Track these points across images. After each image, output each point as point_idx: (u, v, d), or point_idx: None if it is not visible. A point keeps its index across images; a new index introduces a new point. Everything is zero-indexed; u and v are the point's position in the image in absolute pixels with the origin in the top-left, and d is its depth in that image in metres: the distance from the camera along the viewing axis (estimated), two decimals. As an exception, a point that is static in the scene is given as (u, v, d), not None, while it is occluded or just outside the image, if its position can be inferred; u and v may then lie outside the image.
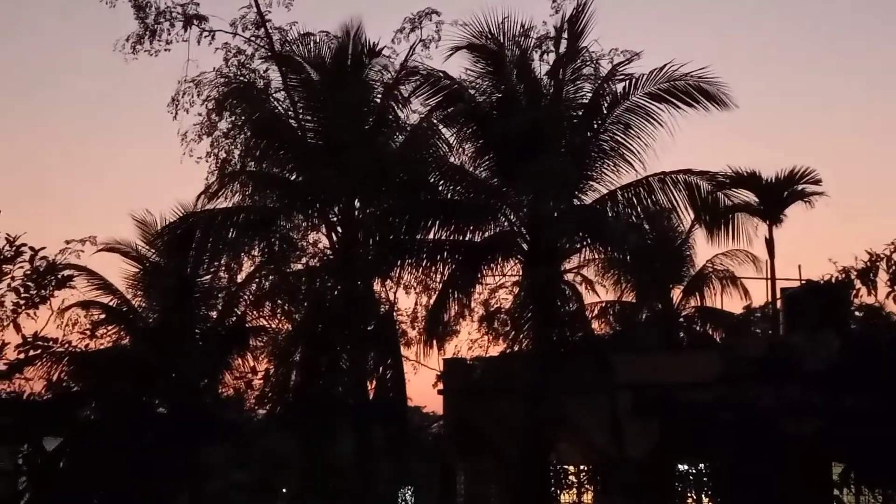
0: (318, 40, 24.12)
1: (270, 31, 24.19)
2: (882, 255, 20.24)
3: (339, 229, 23.87)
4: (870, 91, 56.55)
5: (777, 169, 25.74)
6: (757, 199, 25.13)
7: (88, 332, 24.05)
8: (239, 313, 25.66)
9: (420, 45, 24.06)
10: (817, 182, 25.71)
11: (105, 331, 24.96)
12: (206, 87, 23.72)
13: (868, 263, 20.31)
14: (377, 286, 23.72)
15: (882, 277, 20.25)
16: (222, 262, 23.86)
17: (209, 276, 25.25)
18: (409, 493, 29.59)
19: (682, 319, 32.01)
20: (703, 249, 30.29)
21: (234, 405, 25.48)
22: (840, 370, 19.67)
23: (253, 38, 24.19)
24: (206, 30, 24.35)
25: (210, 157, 23.40)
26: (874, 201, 52.29)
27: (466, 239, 22.77)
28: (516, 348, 22.37)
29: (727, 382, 21.37)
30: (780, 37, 58.11)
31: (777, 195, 25.27)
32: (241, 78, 23.88)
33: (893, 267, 20.13)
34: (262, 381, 24.42)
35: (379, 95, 24.48)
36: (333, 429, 23.87)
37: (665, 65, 21.47)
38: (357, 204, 23.65)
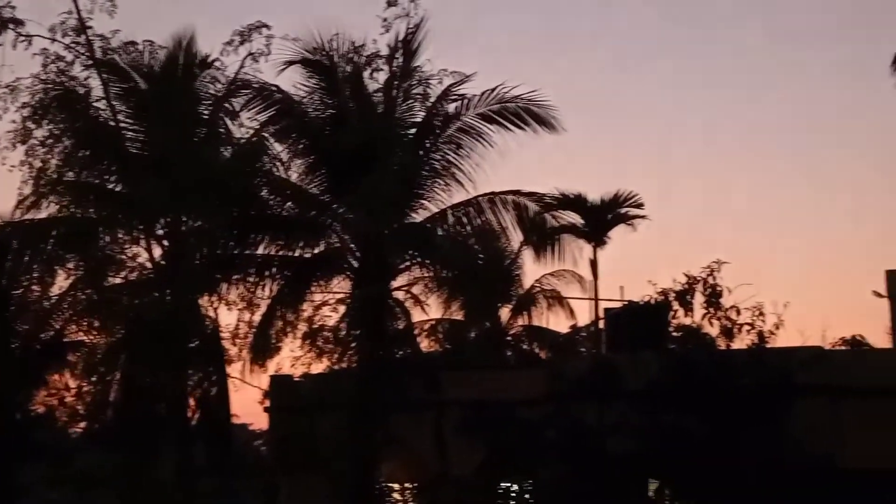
0: (142, 49, 23.42)
1: (92, 38, 23.30)
2: (699, 278, 20.90)
3: (165, 243, 23.22)
4: (693, 114, 58.63)
5: (602, 192, 26.21)
6: (582, 221, 25.53)
7: None
8: (57, 328, 24.64)
9: (250, 58, 23.56)
10: (640, 206, 26.22)
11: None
12: (23, 94, 22.74)
13: (685, 286, 20.95)
14: (203, 301, 23.12)
15: (698, 299, 20.92)
16: (36, 275, 22.89)
17: (23, 290, 24.20)
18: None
19: (509, 338, 32.25)
20: (532, 269, 30.61)
21: (47, 422, 24.40)
22: (658, 389, 20.07)
23: (73, 45, 23.30)
24: (22, 34, 23.31)
25: (25, 165, 22.41)
26: (693, 225, 54.18)
27: (296, 255, 22.41)
28: (344, 365, 22.15)
29: (552, 400, 21.58)
30: (610, 62, 59.72)
31: (601, 218, 25.69)
32: (62, 85, 22.95)
33: (709, 289, 20.82)
34: (75, 399, 23.49)
35: (210, 108, 23.89)
36: (155, 446, 23.15)
37: (496, 87, 21.57)
38: (184, 218, 23.05)
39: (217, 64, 23.78)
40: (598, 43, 60.53)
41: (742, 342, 20.68)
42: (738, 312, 20.68)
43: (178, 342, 22.55)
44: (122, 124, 23.44)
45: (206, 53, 23.76)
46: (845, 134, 57.07)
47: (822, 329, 24.59)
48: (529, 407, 21.66)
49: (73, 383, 24.39)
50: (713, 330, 20.90)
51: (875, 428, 19.74)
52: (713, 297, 20.78)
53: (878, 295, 23.51)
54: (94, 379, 23.44)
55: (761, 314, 20.46)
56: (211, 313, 23.15)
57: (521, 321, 32.32)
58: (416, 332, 26.06)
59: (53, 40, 23.29)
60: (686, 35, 59.45)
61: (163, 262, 23.14)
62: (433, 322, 29.44)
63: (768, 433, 18.99)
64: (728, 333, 20.77)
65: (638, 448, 19.90)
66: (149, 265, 23.01)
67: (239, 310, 22.87)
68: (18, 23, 23.39)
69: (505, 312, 31.83)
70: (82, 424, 23.90)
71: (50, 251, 22.01)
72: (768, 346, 20.36)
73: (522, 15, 60.40)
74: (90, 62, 23.39)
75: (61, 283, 23.06)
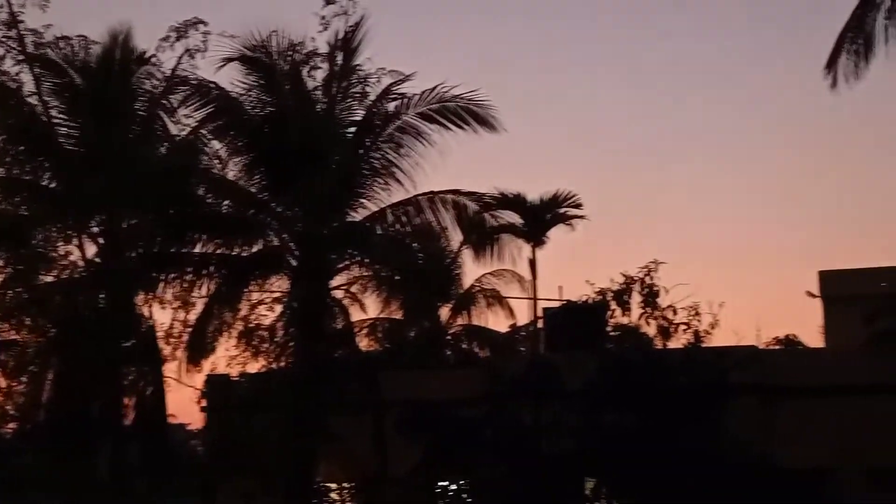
0: (76, 44, 23.05)
1: (23, 32, 22.93)
2: (636, 278, 21.03)
3: (101, 240, 22.87)
4: (633, 113, 59.07)
5: (542, 192, 26.25)
6: (522, 221, 25.56)
7: None
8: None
9: (187, 55, 23.33)
10: (578, 206, 26.30)
11: None
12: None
13: (623, 286, 21.07)
14: (139, 300, 22.81)
15: (636, 299, 21.06)
16: None
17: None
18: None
19: (449, 337, 32.18)
20: (472, 268, 30.61)
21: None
22: (595, 388, 20.13)
23: (4, 39, 22.91)
24: (-50, 28, 22.88)
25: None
26: (631, 225, 54.64)
27: (234, 254, 22.16)
28: (281, 364, 21.98)
29: (490, 400, 21.55)
30: (551, 62, 60.00)
31: (540, 217, 25.74)
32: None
33: (646, 289, 20.96)
34: (4, 399, 23.04)
35: (146, 104, 23.56)
36: (90, 446, 22.80)
37: (437, 86, 21.51)
38: (120, 215, 22.72)
39: (154, 60, 23.55)
40: (540, 43, 60.77)
41: (678, 342, 20.84)
42: (675, 312, 20.85)
43: (113, 341, 22.26)
44: (56, 120, 23.08)
45: (143, 49, 23.51)
46: (781, 135, 57.89)
47: (757, 329, 24.97)
48: (468, 406, 21.60)
49: (3, 383, 23.91)
50: (650, 329, 21.05)
51: (807, 426, 19.97)
52: (650, 297, 20.92)
53: (812, 295, 23.85)
54: (24, 379, 23.03)
55: (697, 314, 20.65)
56: (146, 312, 22.90)
57: (461, 320, 32.26)
58: (355, 331, 25.93)
59: (-18, 34, 22.98)
60: (625, 35, 59.92)
61: (97, 260, 22.81)
62: (372, 321, 29.29)
63: (703, 432, 19.12)
64: (665, 333, 20.92)
65: (575, 447, 19.95)
66: (82, 263, 22.67)
67: (173, 309, 22.65)
68: (-54, 17, 23.01)
69: (445, 312, 31.76)
70: (12, 425, 23.43)
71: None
72: (704, 345, 20.53)
73: (464, 15, 60.47)
74: (22, 57, 23.02)
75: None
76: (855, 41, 15.67)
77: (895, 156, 58.09)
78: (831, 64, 15.93)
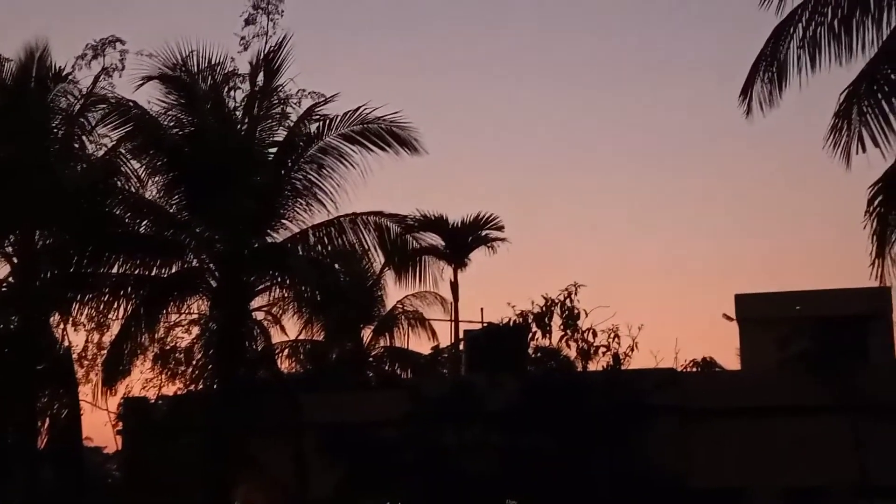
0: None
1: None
2: (556, 301, 21.13)
3: (15, 260, 22.39)
4: (553, 138, 59.51)
5: (463, 214, 26.33)
6: (443, 243, 25.62)
7: None
8: None
9: (104, 73, 23.02)
10: (500, 228, 26.52)
11: None
12: None
13: (543, 308, 21.14)
14: (54, 321, 22.37)
15: (556, 322, 21.15)
16: None
17: None
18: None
19: (371, 359, 32.04)
20: (394, 290, 30.54)
21: None
22: (517, 410, 20.16)
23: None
24: None
25: None
26: (552, 247, 55.03)
27: (153, 274, 21.80)
28: (200, 386, 21.66)
29: (412, 421, 21.46)
30: (475, 83, 60.28)
31: (462, 240, 25.86)
32: None
33: (566, 312, 21.06)
34: None
35: (63, 122, 23.15)
36: (3, 470, 22.26)
37: (360, 107, 21.42)
38: (35, 234, 22.27)
39: (71, 77, 23.19)
40: (464, 63, 61.08)
41: (598, 364, 20.96)
42: (595, 335, 20.97)
43: (27, 363, 21.78)
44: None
45: (60, 66, 23.14)
46: (701, 159, 58.79)
47: (675, 351, 25.18)
48: (390, 428, 21.50)
49: None
50: (571, 352, 21.13)
51: (723, 447, 20.20)
52: (570, 320, 21.01)
53: (728, 318, 24.13)
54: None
55: (617, 336, 20.79)
56: (60, 334, 22.47)
57: (383, 342, 32.13)
58: (276, 353, 25.70)
59: None
60: (550, 58, 60.46)
61: (11, 281, 22.35)
62: (294, 343, 29.05)
63: (622, 454, 19.24)
64: (585, 355, 21.01)
65: (495, 468, 19.93)
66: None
67: (88, 331, 22.26)
68: None
69: (367, 333, 31.64)
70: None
71: None
72: (623, 368, 20.67)
73: (387, 36, 60.56)
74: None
75: None
76: (769, 69, 15.91)
77: (810, 181, 59.40)
78: (746, 91, 16.14)
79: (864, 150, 14.68)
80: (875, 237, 14.88)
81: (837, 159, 14.88)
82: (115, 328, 22.23)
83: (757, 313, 23.27)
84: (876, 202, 14.89)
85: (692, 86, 57.32)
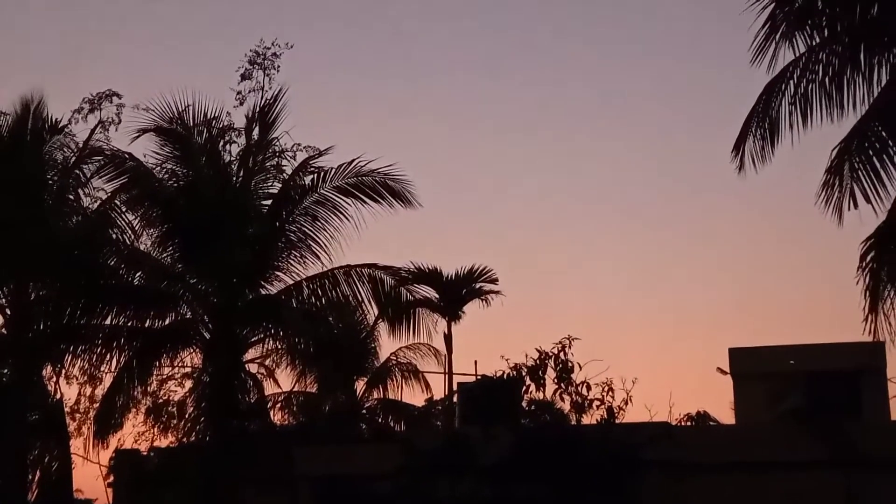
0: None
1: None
2: (550, 354, 21.04)
3: (8, 311, 22.37)
4: (548, 191, 59.63)
5: (457, 266, 26.38)
6: (437, 296, 25.63)
7: None
8: None
9: (100, 126, 23.18)
10: (494, 281, 26.55)
11: None
12: None
13: (537, 361, 21.05)
14: (46, 373, 22.30)
15: (550, 375, 21.03)
16: None
17: None
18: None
19: (364, 411, 31.89)
20: (388, 342, 30.48)
21: None
22: (511, 462, 20.02)
23: None
24: None
25: None
26: (546, 300, 54.91)
27: (146, 326, 21.81)
28: (193, 438, 21.53)
29: (406, 474, 21.29)
30: (469, 136, 60.52)
31: (456, 292, 25.88)
32: None
33: (560, 364, 20.98)
34: None
35: (59, 174, 23.24)
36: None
37: (354, 159, 21.57)
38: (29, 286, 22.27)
39: (67, 130, 23.32)
40: (460, 115, 61.34)
41: (592, 417, 20.84)
42: (589, 388, 20.84)
43: (18, 415, 21.66)
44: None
45: (56, 119, 23.27)
46: (694, 214, 58.88)
47: (669, 405, 25.04)
48: (384, 480, 21.30)
49: None
50: (565, 405, 21.01)
51: (716, 501, 20.02)
52: (564, 373, 20.87)
53: (723, 372, 24.05)
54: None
55: (611, 389, 20.63)
56: (52, 386, 22.41)
57: (377, 394, 31.98)
58: (269, 405, 25.60)
59: None
60: (538, 113, 60.77)
61: (4, 332, 22.31)
62: (287, 395, 28.94)
63: (615, 507, 19.09)
64: (579, 408, 20.86)
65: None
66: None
67: (79, 384, 22.21)
68: None
69: (360, 385, 31.52)
70: None
71: None
72: (617, 421, 20.55)
73: (381, 87, 60.85)
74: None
75: None
76: (761, 126, 15.98)
77: (802, 236, 59.55)
78: (738, 147, 16.19)
79: (855, 206, 14.68)
80: (868, 292, 14.84)
81: (830, 215, 14.87)
82: (108, 381, 22.21)
83: (751, 367, 23.18)
84: (868, 258, 14.88)
85: (685, 142, 57.56)
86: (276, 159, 22.02)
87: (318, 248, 21.82)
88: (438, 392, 30.97)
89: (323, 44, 59.67)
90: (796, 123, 15.76)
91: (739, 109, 16.50)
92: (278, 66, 22.73)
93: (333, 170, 21.65)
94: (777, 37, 16.09)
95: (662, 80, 58.61)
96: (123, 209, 22.45)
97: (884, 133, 14.88)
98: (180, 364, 22.23)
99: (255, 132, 21.91)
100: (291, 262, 21.94)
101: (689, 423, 21.93)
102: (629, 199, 58.27)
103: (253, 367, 22.72)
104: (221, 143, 22.06)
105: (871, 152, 14.70)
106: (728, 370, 23.65)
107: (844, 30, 15.90)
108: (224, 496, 20.75)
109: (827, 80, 15.55)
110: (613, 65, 59.71)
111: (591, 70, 58.48)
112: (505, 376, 21.32)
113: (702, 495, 19.77)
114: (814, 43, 16.02)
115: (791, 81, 15.80)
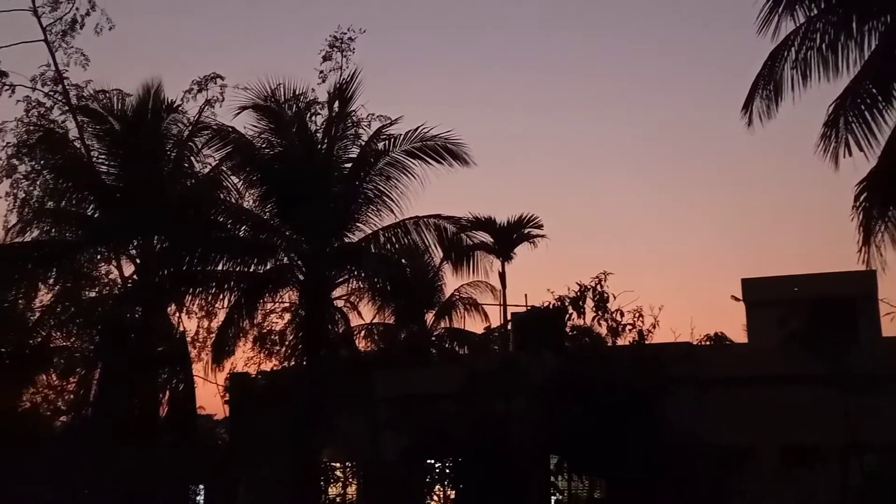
0: (112, 96, 23.19)
1: (68, 87, 23.11)
2: (589, 286, 21.08)
3: (137, 261, 22.86)
4: (585, 146, 59.15)
5: (509, 215, 26.34)
6: (492, 240, 25.63)
7: None
8: (43, 335, 24.02)
9: (207, 104, 23.47)
10: (540, 226, 26.39)
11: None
12: (7, 135, 22.48)
13: (578, 293, 21.11)
14: (171, 311, 22.79)
15: (589, 304, 21.09)
16: (20, 289, 22.45)
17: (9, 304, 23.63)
18: (200, 491, 28.25)
19: (434, 339, 32.09)
20: (451, 280, 30.65)
21: (32, 419, 23.72)
22: (556, 380, 20.14)
23: (52, 93, 23.04)
24: (6, 84, 23.15)
25: (10, 196, 22.14)
26: (584, 239, 54.64)
27: (251, 271, 22.13)
28: (292, 363, 21.92)
29: (468, 392, 21.50)
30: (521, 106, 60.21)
31: (508, 237, 25.80)
32: (42, 127, 22.69)
33: (598, 296, 21.02)
34: (57, 396, 23.00)
35: (175, 146, 23.59)
36: (131, 436, 22.69)
37: (419, 127, 21.62)
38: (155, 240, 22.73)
39: (180, 108, 23.63)
40: (504, 90, 60.93)
41: (625, 340, 20.88)
42: (622, 314, 20.89)
43: (149, 346, 22.19)
44: (98, 160, 23.12)
45: (171, 99, 23.59)
46: (713, 166, 58.06)
47: (691, 327, 24.91)
48: (449, 399, 21.55)
49: (60, 384, 23.88)
50: (602, 330, 21.06)
51: (733, 411, 20.00)
52: (601, 303, 20.94)
53: (736, 299, 23.79)
54: (74, 379, 22.96)
55: (641, 315, 20.71)
56: (176, 321, 22.90)
57: (443, 324, 32.13)
58: (354, 334, 25.89)
59: (34, 89, 23.37)
60: (583, 84, 60.18)
61: (135, 278, 22.80)
62: (368, 325, 29.22)
63: (646, 417, 19.15)
64: (614, 332, 20.92)
65: (539, 432, 19.94)
66: (121, 281, 22.66)
67: (199, 318, 22.63)
68: (3, 74, 23.37)
69: (430, 317, 31.71)
70: (63, 418, 23.34)
71: (30, 270, 21.60)
72: (646, 343, 20.57)
73: (443, 62, 60.62)
74: (67, 107, 23.12)
75: (42, 297, 22.75)
76: (766, 87, 15.78)
77: (803, 180, 58.53)
78: (747, 106, 16.02)
79: (850, 154, 14.59)
80: (861, 228, 14.73)
81: (828, 162, 14.79)
82: (221, 316, 22.65)
83: (761, 295, 22.95)
84: (861, 198, 14.74)
85: (701, 85, 56.60)
86: (354, 128, 22.15)
87: (390, 202, 21.99)
88: (495, 321, 31.07)
89: (389, 31, 59.63)
90: (797, 84, 15.59)
91: (747, 74, 16.34)
92: (353, 49, 22.84)
93: (402, 136, 21.73)
94: (780, 9, 15.89)
95: (684, 48, 57.72)
96: (229, 174, 22.74)
97: (874, 90, 14.67)
98: (280, 301, 22.55)
99: (336, 105, 22.02)
100: (369, 215, 22.13)
101: (708, 343, 21.78)
102: (657, 156, 57.70)
103: (339, 303, 22.93)
104: (308, 116, 22.23)
105: (862, 107, 14.56)
106: (741, 297, 23.43)
107: (839, 1, 15.62)
108: (316, 413, 21.17)
109: (824, 46, 15.35)
110: (642, 42, 58.87)
111: (624, 48, 57.70)
112: (551, 307, 21.41)
113: (719, 405, 19.77)
114: (812, 14, 15.79)
115: (792, 48, 15.60)
